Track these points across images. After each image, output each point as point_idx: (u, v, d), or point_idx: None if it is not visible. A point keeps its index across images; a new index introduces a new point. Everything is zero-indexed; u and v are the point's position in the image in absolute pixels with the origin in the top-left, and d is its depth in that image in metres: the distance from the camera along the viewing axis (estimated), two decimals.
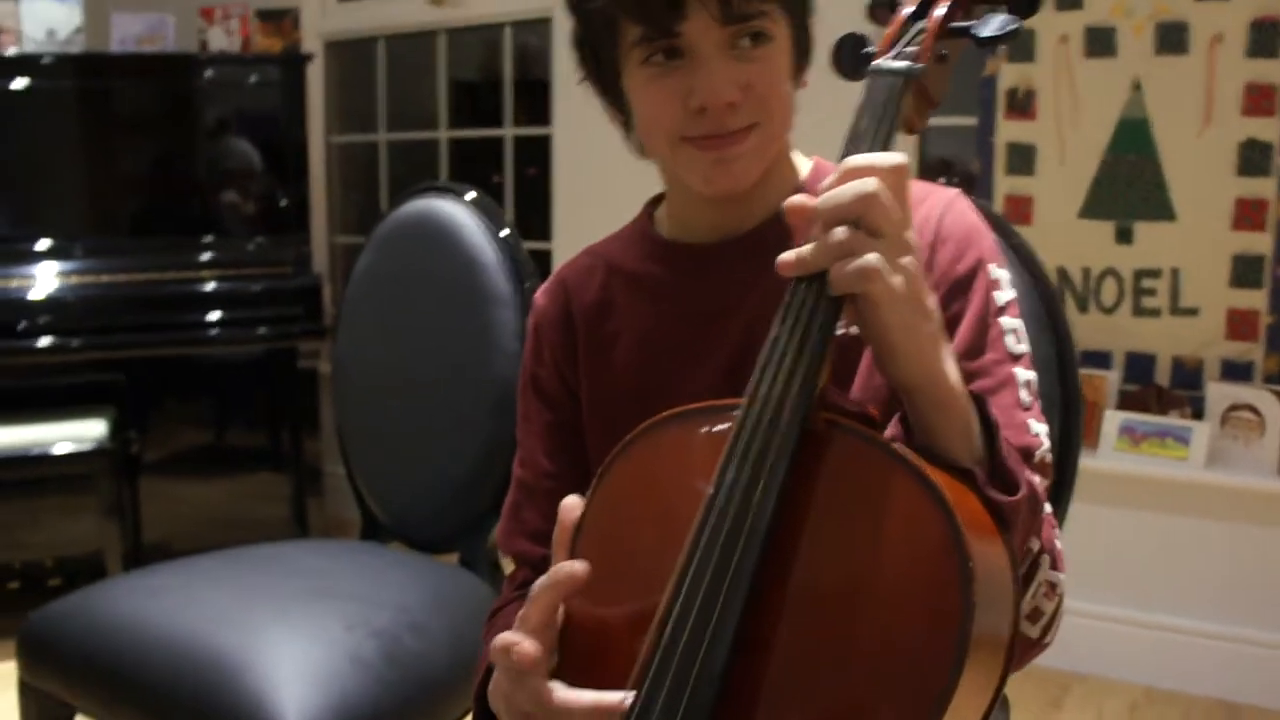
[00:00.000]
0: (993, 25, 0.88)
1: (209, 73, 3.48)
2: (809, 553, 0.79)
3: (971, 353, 0.97)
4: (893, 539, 0.77)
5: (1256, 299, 2.61)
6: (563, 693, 0.82)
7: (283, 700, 1.45)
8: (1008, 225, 1.43)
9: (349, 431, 2.11)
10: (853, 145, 0.85)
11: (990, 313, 0.98)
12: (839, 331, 0.95)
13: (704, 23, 0.92)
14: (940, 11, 0.89)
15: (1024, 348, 1.00)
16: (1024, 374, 0.98)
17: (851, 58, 0.91)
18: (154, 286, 3.26)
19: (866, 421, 0.84)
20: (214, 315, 3.25)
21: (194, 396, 3.56)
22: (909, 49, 0.88)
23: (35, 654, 1.71)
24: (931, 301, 0.82)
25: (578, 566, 0.84)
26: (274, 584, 1.72)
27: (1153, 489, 2.67)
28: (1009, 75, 2.81)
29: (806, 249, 0.80)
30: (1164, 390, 2.71)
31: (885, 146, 0.85)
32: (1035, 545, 0.87)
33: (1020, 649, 0.86)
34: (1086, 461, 2.65)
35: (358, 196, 4.14)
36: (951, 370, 0.83)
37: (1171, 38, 2.62)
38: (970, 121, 2.91)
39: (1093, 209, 2.76)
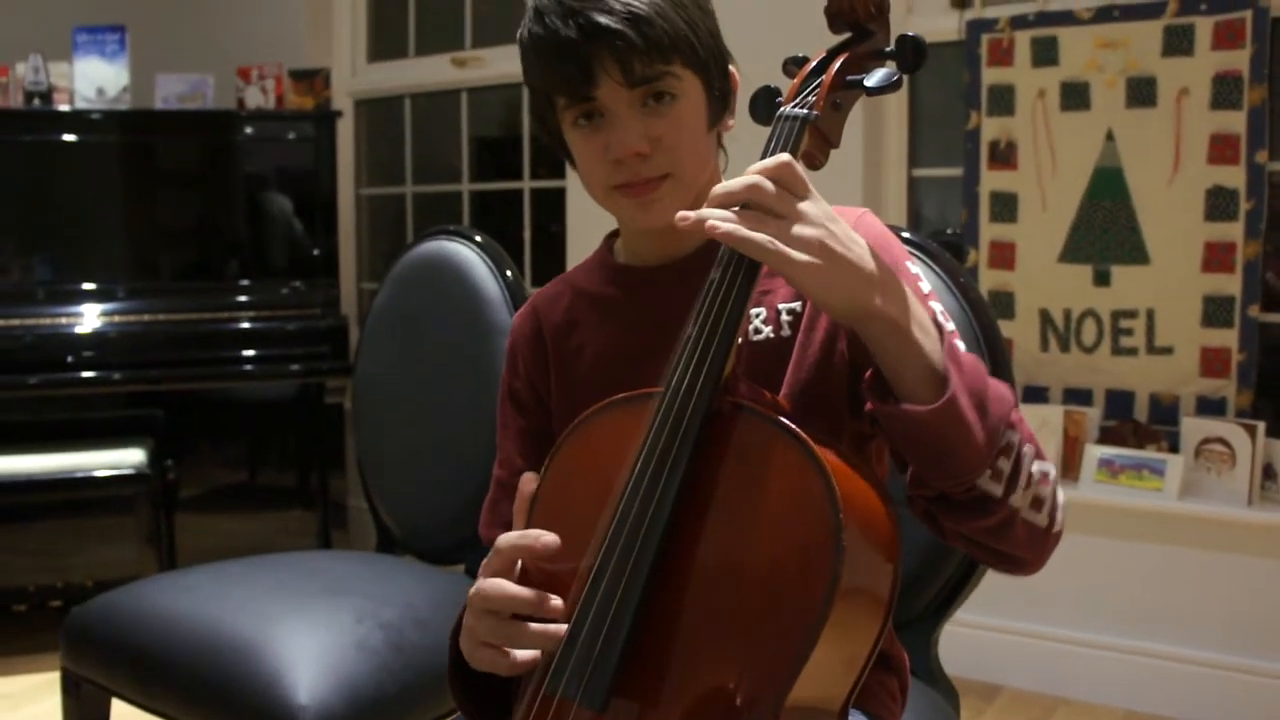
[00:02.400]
0: (878, 77, 1.06)
1: (245, 129, 3.71)
2: (710, 510, 0.96)
3: None
4: (777, 494, 0.93)
5: (1228, 338, 2.75)
6: (513, 625, 0.99)
7: (296, 680, 1.62)
8: (951, 260, 1.59)
9: (367, 453, 2.29)
10: None
11: (920, 298, 1.11)
12: (768, 335, 1.13)
13: (611, 87, 1.09)
14: (836, 66, 1.07)
15: (952, 325, 1.14)
16: (960, 344, 1.13)
17: (765, 106, 1.09)
18: (191, 325, 3.47)
19: (773, 408, 1.01)
20: (248, 353, 3.45)
21: (227, 430, 3.75)
22: (809, 98, 1.06)
23: (77, 642, 1.89)
24: (852, 247, 0.94)
25: (548, 538, 1.00)
26: (293, 583, 1.90)
27: (1130, 519, 2.80)
28: (991, 128, 2.98)
29: (705, 211, 0.94)
30: (1141, 425, 2.84)
31: None
32: (1014, 437, 0.99)
33: (1033, 536, 1.01)
34: (1067, 493, 2.78)
35: (385, 245, 4.35)
36: (886, 299, 0.95)
37: (1141, 91, 2.79)
38: (956, 172, 3.08)
39: (1072, 253, 2.92)
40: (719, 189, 0.95)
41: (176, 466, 3.40)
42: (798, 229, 0.93)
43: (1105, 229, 2.86)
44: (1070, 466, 2.89)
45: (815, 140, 1.05)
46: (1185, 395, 2.82)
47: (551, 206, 3.86)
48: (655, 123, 1.11)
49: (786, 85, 1.11)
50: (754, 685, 0.91)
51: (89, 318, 3.39)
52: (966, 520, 1.00)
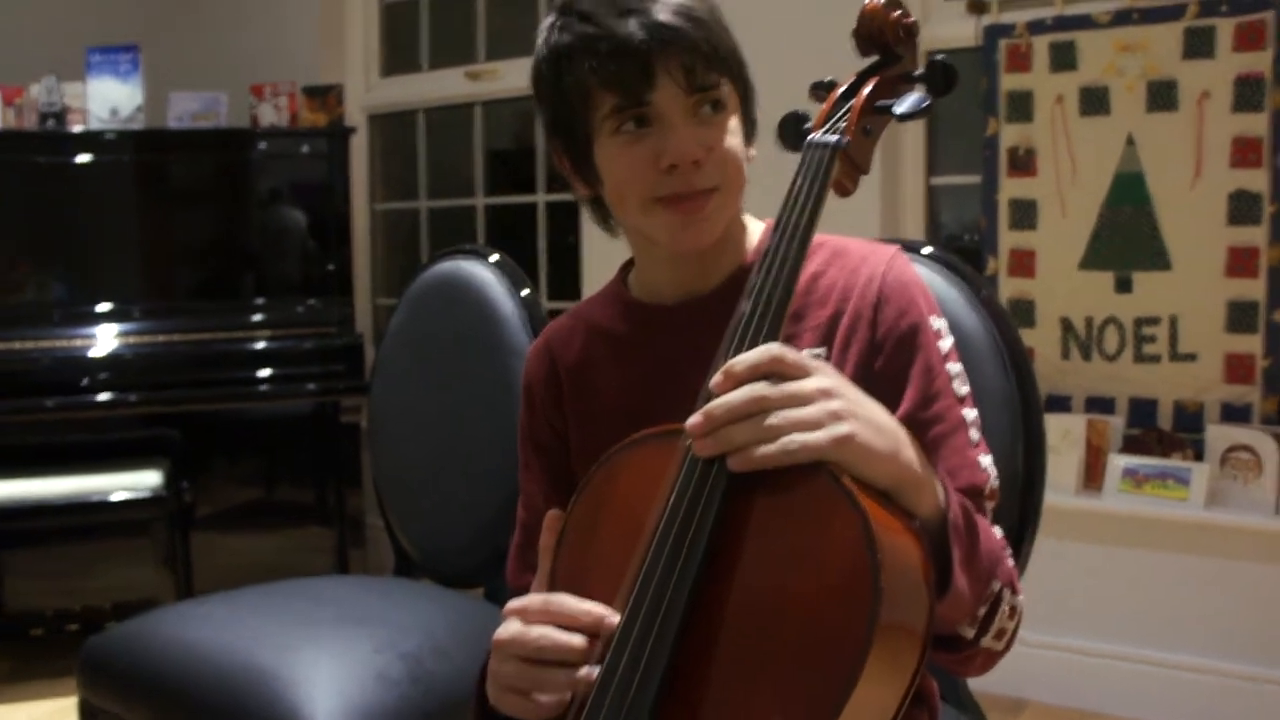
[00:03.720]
0: (908, 103, 1.03)
1: (259, 146, 3.70)
2: (744, 552, 0.93)
3: (924, 403, 1.09)
4: (812, 534, 0.91)
5: (1252, 343, 2.71)
6: (540, 672, 0.96)
7: (314, 713, 1.60)
8: (976, 275, 1.57)
9: (384, 475, 2.27)
10: (789, 204, 1.02)
11: (936, 363, 1.11)
12: None
13: (671, 91, 1.06)
14: (866, 91, 1.04)
15: (966, 388, 1.13)
16: (970, 413, 1.11)
17: (792, 132, 1.07)
18: (207, 345, 3.46)
19: None
20: (263, 373, 3.44)
21: (243, 450, 3.74)
22: (839, 124, 1.04)
23: (94, 673, 1.87)
24: (872, 409, 0.94)
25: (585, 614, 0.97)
26: (310, 611, 1.88)
27: (1155, 529, 2.76)
28: (1010, 135, 2.95)
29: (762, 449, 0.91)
30: (1165, 433, 2.81)
31: (817, 205, 1.01)
32: (996, 586, 1.00)
33: (989, 660, 1.03)
34: (1091, 503, 2.80)
35: (400, 260, 4.34)
36: (912, 453, 0.96)
37: (1162, 95, 2.75)
38: (975, 180, 3.05)
39: (1093, 260, 2.88)
40: (723, 410, 0.92)
41: (193, 488, 3.39)
42: (806, 413, 0.91)
43: (1126, 235, 2.83)
44: (1094, 476, 2.86)
45: (845, 167, 1.03)
46: (1209, 402, 2.78)
47: (567, 220, 3.85)
48: (708, 132, 1.08)
49: (813, 110, 1.09)
50: None
51: (104, 339, 3.39)
52: (931, 652, 0.98)
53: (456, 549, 2.12)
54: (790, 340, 1.12)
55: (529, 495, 1.27)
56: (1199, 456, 2.76)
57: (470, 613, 1.95)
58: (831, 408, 0.91)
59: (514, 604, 0.99)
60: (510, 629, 0.98)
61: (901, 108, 1.04)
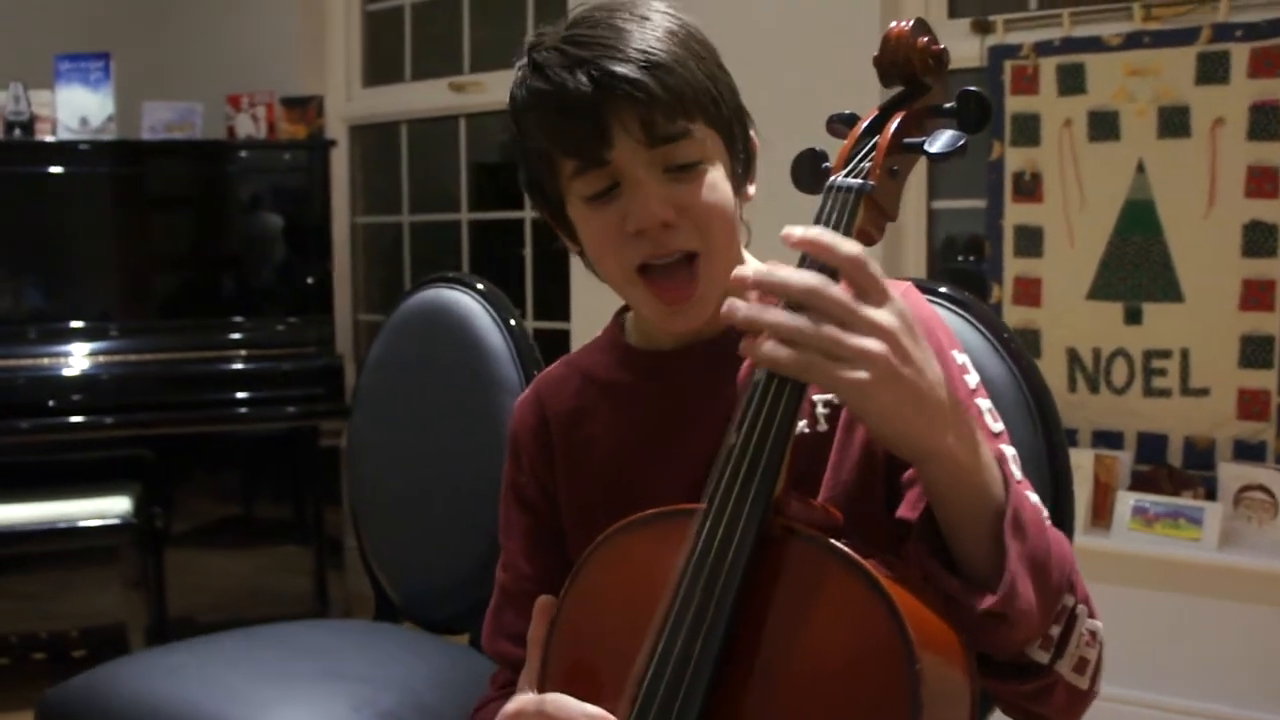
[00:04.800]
0: (942, 142, 0.92)
1: (237, 158, 3.59)
2: (765, 656, 0.82)
3: None
4: (845, 644, 0.80)
5: (1267, 379, 2.62)
6: None
7: None
8: (997, 319, 1.47)
9: (363, 513, 2.16)
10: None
11: (965, 398, 1.00)
12: (803, 429, 0.99)
13: (630, 148, 0.96)
14: (892, 128, 0.93)
15: (1000, 425, 1.02)
16: (1009, 450, 1.00)
17: (810, 173, 0.96)
18: (183, 365, 3.34)
19: (827, 526, 0.88)
20: (241, 395, 3.33)
21: (219, 473, 3.63)
22: (863, 164, 0.92)
23: None
24: (925, 373, 0.80)
25: None
26: (285, 663, 1.76)
27: (1166, 570, 2.66)
28: (1015, 159, 2.86)
29: (767, 345, 0.79)
30: (1176, 470, 2.71)
31: None
32: (1070, 601, 0.88)
33: (1073, 700, 0.90)
34: (1100, 542, 2.69)
35: (382, 276, 4.23)
36: (955, 439, 0.82)
37: (1174, 121, 2.66)
38: (980, 204, 2.96)
39: (1101, 290, 2.79)
40: (773, 277, 0.79)
41: (166, 510, 3.28)
42: (857, 340, 0.77)
43: (1136, 265, 2.73)
44: (1101, 514, 2.76)
45: (871, 214, 0.91)
46: (1222, 439, 2.68)
47: (554, 236, 3.73)
48: (679, 192, 0.98)
49: (831, 147, 0.98)
50: None
51: (79, 358, 3.27)
52: (1004, 682, 0.89)
53: (438, 593, 2.01)
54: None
55: (509, 555, 1.17)
56: (1210, 495, 2.67)
57: (453, 663, 1.84)
58: (874, 350, 0.77)
59: (509, 708, 0.88)
60: None
61: (935, 146, 0.92)
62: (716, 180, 1.00)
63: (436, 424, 2.03)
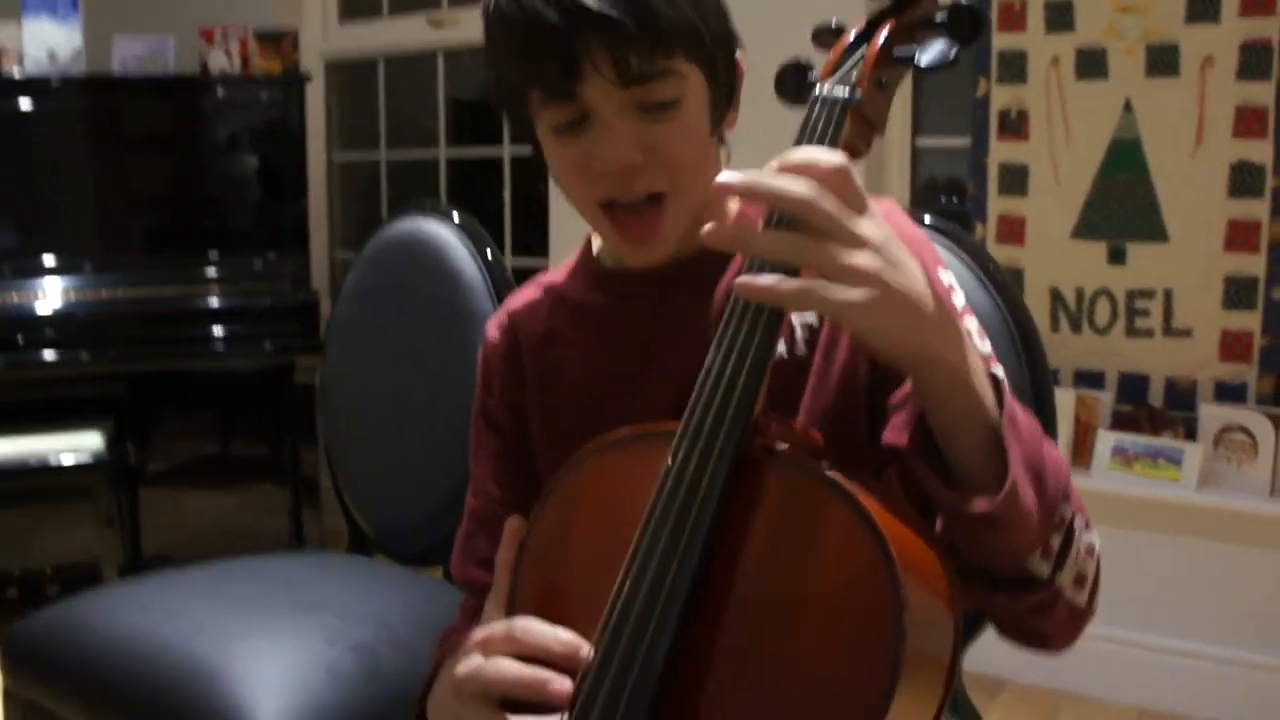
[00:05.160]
0: (932, 53, 0.89)
1: (212, 94, 3.52)
2: (743, 580, 0.80)
3: None
4: (826, 566, 0.78)
5: (1250, 320, 2.61)
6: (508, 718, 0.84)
7: (259, 710, 1.46)
8: (983, 251, 1.45)
9: (336, 445, 2.13)
10: None
11: (952, 310, 0.99)
12: (782, 354, 0.96)
13: (600, 86, 0.90)
14: (880, 39, 0.90)
15: (988, 346, 0.99)
16: (998, 370, 0.98)
17: (794, 84, 0.92)
18: (158, 301, 3.29)
19: (808, 448, 0.85)
20: (216, 330, 3.28)
21: (194, 410, 3.59)
22: (850, 75, 0.89)
23: (19, 663, 1.73)
24: (915, 282, 0.77)
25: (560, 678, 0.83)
26: (257, 597, 1.74)
27: (1145, 510, 2.66)
28: (1001, 96, 2.82)
29: (765, 279, 0.76)
30: (1157, 411, 2.71)
31: None
32: (1068, 511, 0.85)
33: (1072, 617, 0.87)
34: (1079, 481, 2.65)
35: (358, 213, 4.17)
36: (948, 345, 0.79)
37: (1162, 59, 2.63)
38: (964, 142, 2.92)
39: (1085, 229, 2.77)
40: (763, 185, 0.75)
41: (140, 448, 3.24)
42: (850, 257, 0.74)
43: (1121, 204, 2.71)
44: (1081, 453, 2.76)
45: (858, 127, 0.88)
46: (1203, 380, 2.68)
47: (533, 173, 3.69)
48: (651, 132, 0.93)
49: (817, 60, 0.95)
50: None
51: (51, 294, 3.21)
52: (1003, 597, 0.86)
53: (412, 526, 1.98)
54: None
55: (479, 479, 1.13)
56: (1190, 435, 2.66)
57: (427, 596, 1.82)
58: (869, 266, 0.74)
59: (477, 635, 0.86)
60: (472, 664, 0.85)
61: (926, 58, 0.89)
62: (692, 117, 0.95)
63: (411, 356, 2.00)
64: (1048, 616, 0.86)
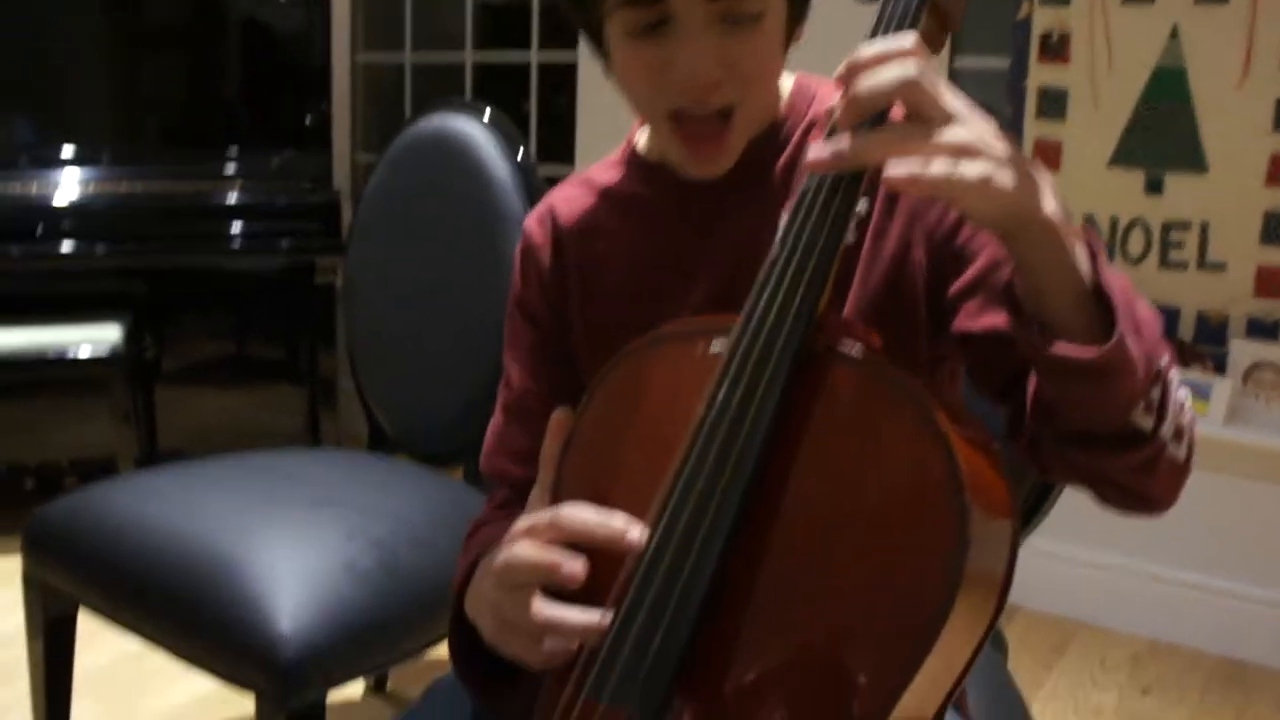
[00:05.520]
0: None
1: None
2: (801, 482, 0.78)
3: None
4: (889, 471, 0.76)
5: None
6: (548, 608, 0.81)
7: (277, 603, 1.46)
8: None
9: (359, 344, 2.11)
10: None
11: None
12: None
13: None
14: None
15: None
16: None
17: None
18: (177, 196, 3.26)
19: (869, 348, 0.83)
20: (235, 227, 3.25)
21: (212, 307, 3.57)
22: None
23: (39, 548, 1.73)
24: (1010, 145, 0.75)
25: (618, 531, 0.81)
26: (276, 490, 1.73)
27: None
28: (1043, 19, 2.75)
29: (846, 144, 0.73)
30: (1187, 345, 2.67)
31: None
32: (1163, 361, 0.82)
33: (1173, 474, 0.85)
34: None
35: (381, 116, 4.11)
36: (1047, 200, 0.76)
37: None
38: (1002, 65, 2.85)
39: (1123, 157, 2.71)
40: (861, 91, 0.72)
41: (157, 344, 3.23)
42: (957, 133, 0.72)
43: (1162, 133, 2.65)
44: None
45: (933, 21, 0.85)
46: (1235, 316, 2.64)
47: (561, 80, 3.62)
48: (733, 46, 0.89)
49: None
50: (852, 700, 0.74)
51: (69, 185, 3.17)
52: (1108, 458, 0.82)
53: (435, 426, 1.98)
54: None
55: (513, 373, 1.11)
56: (1220, 371, 2.63)
57: (448, 496, 1.81)
58: (973, 139, 0.72)
59: (521, 523, 0.84)
60: (517, 553, 0.82)
61: None
62: (772, 30, 0.91)
63: (437, 257, 1.97)
64: (1152, 474, 0.84)
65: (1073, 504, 1.63)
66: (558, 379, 1.07)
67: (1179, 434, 0.84)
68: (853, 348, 0.79)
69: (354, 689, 2.33)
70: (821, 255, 0.80)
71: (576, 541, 0.81)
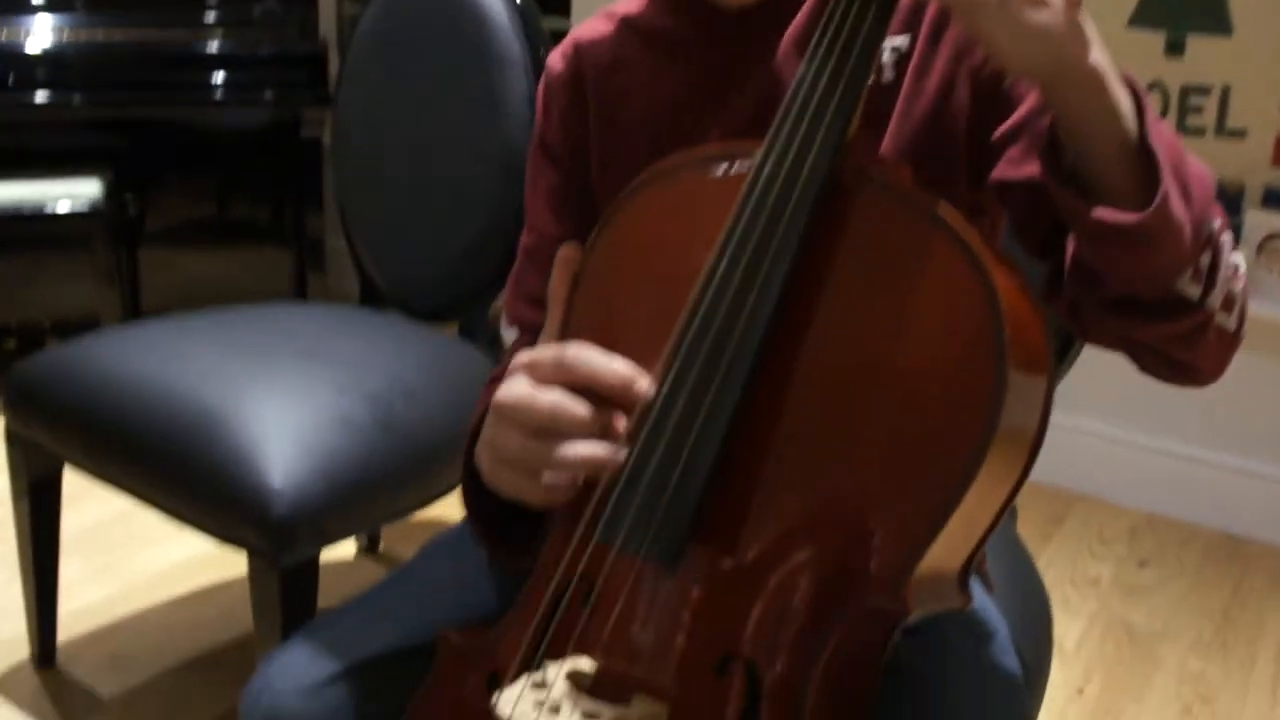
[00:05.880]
0: None
1: None
2: (826, 316, 0.72)
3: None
4: (922, 304, 0.70)
5: None
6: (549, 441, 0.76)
7: (269, 458, 1.41)
8: None
9: (349, 196, 2.03)
10: None
11: None
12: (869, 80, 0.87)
13: None
14: None
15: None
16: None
17: None
18: (155, 45, 3.12)
19: (908, 180, 0.77)
20: (216, 77, 3.12)
21: (195, 163, 3.45)
22: None
23: (21, 402, 1.67)
24: None
25: (623, 374, 0.75)
26: (265, 343, 1.67)
27: None
28: None
29: None
30: None
31: None
32: (1215, 224, 0.77)
33: (1222, 343, 0.80)
34: None
35: None
36: (1087, 48, 0.72)
37: None
38: None
39: (1144, 17, 2.60)
40: None
41: (138, 201, 3.12)
42: None
43: None
44: None
45: None
46: (1252, 185, 2.56)
47: None
48: None
49: None
50: (878, 549, 0.69)
51: (42, 32, 3.03)
52: (1152, 326, 0.77)
53: (429, 279, 1.90)
54: None
55: (535, 215, 1.05)
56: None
57: (443, 352, 1.75)
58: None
59: (522, 357, 0.77)
60: (515, 390, 0.76)
61: None
62: None
63: (431, 102, 1.88)
64: (1198, 344, 0.79)
65: (1072, 374, 1.62)
66: (579, 222, 1.01)
67: (1229, 302, 0.79)
68: (884, 176, 0.73)
69: (346, 549, 2.30)
70: (857, 67, 0.74)
71: (581, 385, 0.75)
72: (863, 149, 0.76)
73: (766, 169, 0.74)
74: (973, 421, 0.66)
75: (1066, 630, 2.20)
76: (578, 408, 0.74)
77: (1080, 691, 2.04)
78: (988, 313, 0.68)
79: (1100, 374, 2.57)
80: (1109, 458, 2.73)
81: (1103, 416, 2.72)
